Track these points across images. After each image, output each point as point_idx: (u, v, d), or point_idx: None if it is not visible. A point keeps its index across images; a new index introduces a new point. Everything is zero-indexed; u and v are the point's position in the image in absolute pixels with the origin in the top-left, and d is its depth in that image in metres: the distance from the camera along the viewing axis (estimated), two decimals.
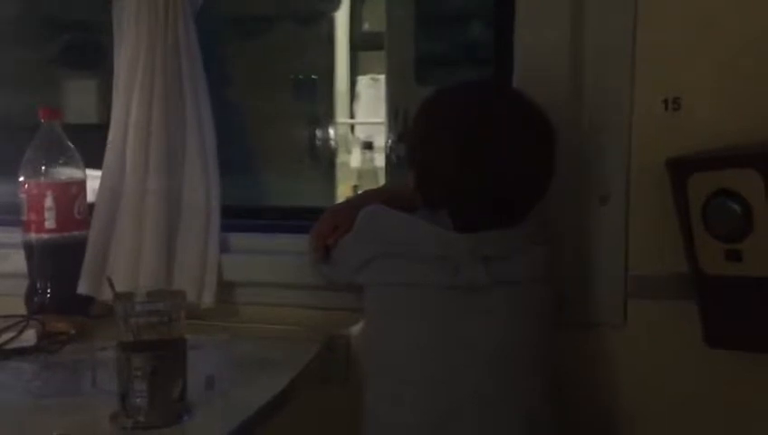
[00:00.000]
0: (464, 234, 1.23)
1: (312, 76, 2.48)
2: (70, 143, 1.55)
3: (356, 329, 1.50)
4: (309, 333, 1.48)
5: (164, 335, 1.07)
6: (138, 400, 1.06)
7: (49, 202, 1.53)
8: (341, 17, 2.81)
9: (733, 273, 1.24)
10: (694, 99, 1.34)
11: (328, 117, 2.63)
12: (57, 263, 1.56)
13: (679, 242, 1.30)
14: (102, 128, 1.60)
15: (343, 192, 2.51)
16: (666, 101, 1.35)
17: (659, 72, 1.35)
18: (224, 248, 1.57)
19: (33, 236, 1.55)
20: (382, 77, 2.59)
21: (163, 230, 1.52)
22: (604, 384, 1.43)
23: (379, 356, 1.29)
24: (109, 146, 1.56)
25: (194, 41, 1.53)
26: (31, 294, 1.56)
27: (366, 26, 2.94)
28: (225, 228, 1.58)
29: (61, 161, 1.54)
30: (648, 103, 1.36)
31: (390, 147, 2.33)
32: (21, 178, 1.54)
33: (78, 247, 1.54)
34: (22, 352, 1.36)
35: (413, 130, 1.34)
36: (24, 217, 1.55)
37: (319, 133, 2.48)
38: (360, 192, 2.00)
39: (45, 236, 1.54)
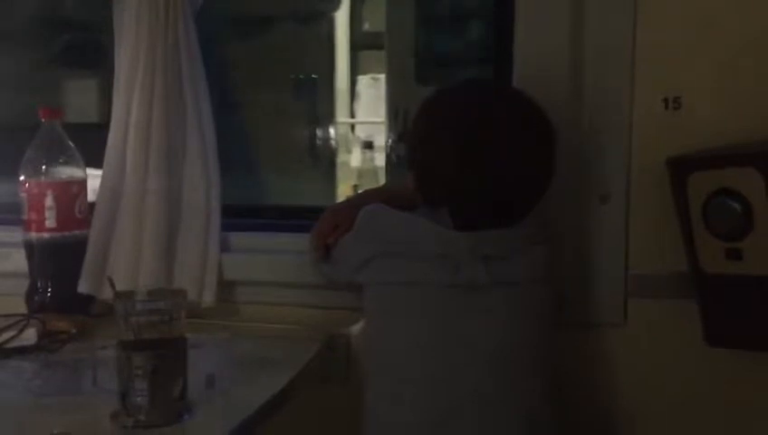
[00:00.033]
0: (464, 232, 1.23)
1: (313, 76, 2.47)
2: (70, 142, 1.55)
3: (356, 328, 1.50)
4: (309, 332, 1.48)
5: (164, 334, 1.07)
6: (138, 398, 1.06)
7: (49, 201, 1.53)
8: (342, 17, 2.81)
9: (733, 272, 1.24)
10: (694, 98, 1.34)
11: (328, 116, 2.62)
12: (58, 262, 1.56)
13: (679, 241, 1.30)
14: (103, 127, 1.60)
15: (343, 191, 2.50)
16: (666, 101, 1.35)
17: (659, 72, 1.36)
18: (224, 247, 1.57)
19: (33, 235, 1.55)
20: (382, 77, 2.58)
21: (163, 229, 1.52)
22: (604, 384, 1.43)
23: (379, 355, 1.29)
24: (109, 145, 1.56)
25: (194, 40, 1.54)
26: (31, 293, 1.56)
27: (366, 26, 2.94)
28: (226, 227, 1.58)
29: (61, 161, 1.55)
30: (649, 103, 1.36)
31: (390, 146, 2.32)
32: (21, 178, 1.54)
33: (78, 247, 1.55)
34: (22, 351, 1.36)
35: (413, 130, 1.34)
36: (25, 217, 1.55)
37: (319, 133, 2.47)
38: (360, 191, 2.00)
39: (46, 235, 1.54)
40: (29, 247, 1.56)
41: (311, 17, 2.54)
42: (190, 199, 1.54)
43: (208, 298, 1.52)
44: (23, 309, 1.53)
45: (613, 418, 1.44)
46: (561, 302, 1.34)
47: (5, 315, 1.44)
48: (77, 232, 1.56)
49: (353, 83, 2.92)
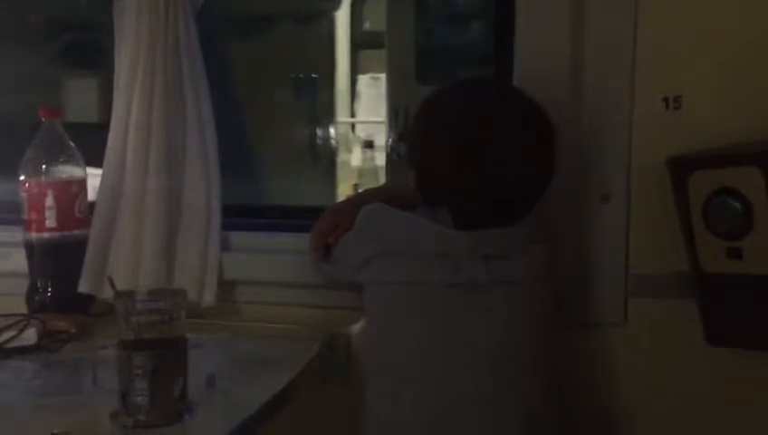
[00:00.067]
0: (464, 232, 1.23)
1: (313, 75, 2.47)
2: (71, 142, 1.55)
3: (356, 327, 1.50)
4: (310, 331, 1.48)
5: (165, 334, 1.07)
6: (138, 398, 1.06)
7: (50, 201, 1.53)
8: (342, 16, 2.81)
9: (733, 271, 1.24)
10: (694, 97, 1.34)
11: (328, 116, 2.62)
12: (58, 262, 1.56)
13: (680, 240, 1.30)
14: (103, 127, 1.60)
15: (344, 191, 2.50)
16: (666, 100, 1.35)
17: (660, 71, 1.36)
18: (224, 247, 1.57)
19: (33, 235, 1.55)
20: (383, 76, 2.58)
21: (164, 229, 1.52)
22: (605, 384, 1.43)
23: (379, 354, 1.29)
24: (109, 145, 1.56)
25: (194, 40, 1.54)
26: (32, 292, 1.56)
27: (366, 25, 2.94)
28: (226, 227, 1.58)
29: (61, 160, 1.55)
30: (649, 102, 1.36)
31: (391, 146, 2.32)
32: (22, 177, 1.54)
33: (79, 246, 1.55)
34: (22, 351, 1.36)
35: (413, 130, 1.34)
36: (25, 216, 1.55)
37: (319, 132, 2.48)
38: (360, 191, 2.00)
39: (46, 235, 1.54)
40: (29, 247, 1.56)
41: (311, 16, 2.54)
42: (190, 199, 1.54)
43: (209, 298, 1.52)
44: (23, 309, 1.53)
45: (614, 417, 1.43)
46: (561, 301, 1.34)
47: (6, 315, 1.44)
48: (77, 232, 1.56)
49: (354, 83, 2.92)
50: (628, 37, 1.36)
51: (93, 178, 1.58)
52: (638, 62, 1.36)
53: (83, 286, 1.54)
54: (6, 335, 1.38)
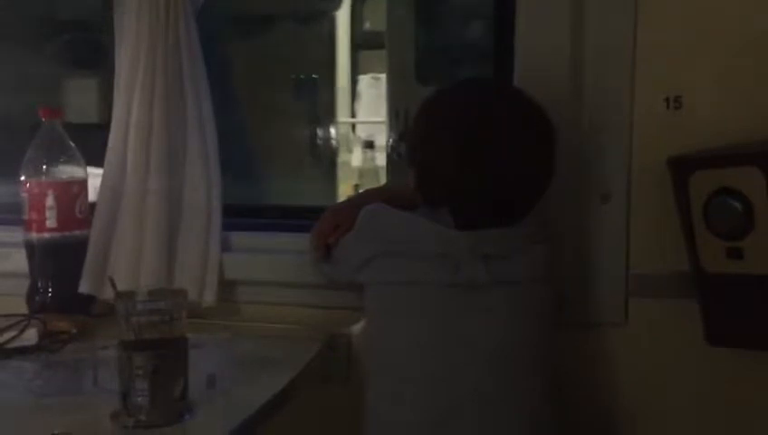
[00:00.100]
0: (464, 232, 1.23)
1: (313, 75, 2.48)
2: (71, 142, 1.55)
3: (357, 328, 1.50)
4: (310, 331, 1.48)
5: (165, 334, 1.07)
6: (139, 398, 1.06)
7: (50, 201, 1.53)
8: (342, 16, 2.81)
9: (734, 271, 1.24)
10: (695, 97, 1.34)
11: (329, 116, 2.63)
12: (58, 262, 1.56)
13: (680, 240, 1.30)
14: (103, 127, 1.60)
15: (344, 191, 2.51)
16: (667, 100, 1.35)
17: (660, 71, 1.36)
18: (225, 247, 1.57)
19: (34, 235, 1.55)
20: (383, 76, 2.59)
21: (164, 229, 1.52)
22: (605, 384, 1.43)
23: (379, 355, 1.29)
24: (110, 145, 1.56)
25: (195, 40, 1.53)
26: (32, 293, 1.56)
27: (367, 25, 2.94)
28: (227, 227, 1.58)
29: (62, 160, 1.55)
30: (649, 102, 1.36)
31: (391, 146, 2.33)
32: (22, 178, 1.54)
33: (79, 247, 1.55)
34: (23, 352, 1.36)
35: (413, 130, 1.34)
36: (26, 217, 1.55)
37: (320, 132, 2.48)
38: (360, 191, 2.00)
39: (47, 235, 1.54)
40: (30, 247, 1.56)
41: (311, 16, 2.55)
42: (191, 199, 1.54)
43: (209, 298, 1.52)
44: (23, 309, 1.53)
45: (614, 417, 1.43)
46: (561, 302, 1.34)
47: (6, 315, 1.44)
48: (78, 232, 1.56)
49: (354, 83, 2.92)
50: (628, 37, 1.36)
51: (94, 178, 1.59)
52: (639, 61, 1.36)
53: (84, 287, 1.54)
54: (7, 336, 1.38)
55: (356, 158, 2.73)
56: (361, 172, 2.58)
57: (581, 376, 1.42)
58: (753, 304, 1.25)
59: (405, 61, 2.33)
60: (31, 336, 1.39)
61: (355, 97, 2.93)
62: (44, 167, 1.53)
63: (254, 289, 1.57)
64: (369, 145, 2.58)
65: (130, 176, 1.53)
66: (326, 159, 2.52)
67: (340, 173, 2.63)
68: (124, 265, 1.53)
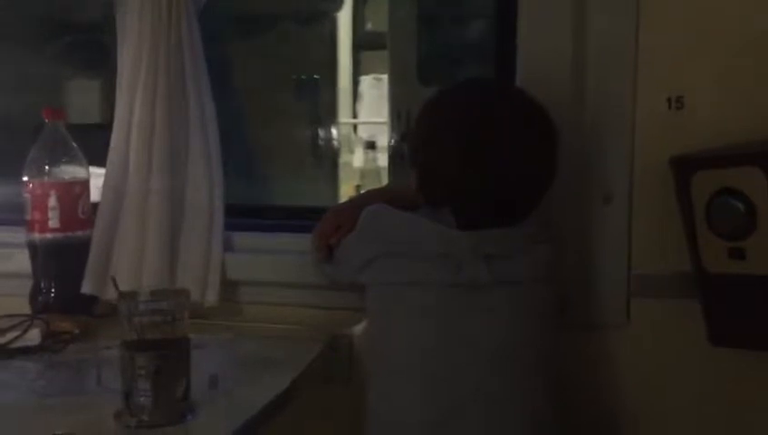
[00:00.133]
0: (466, 232, 1.23)
1: (315, 76, 2.48)
2: (73, 143, 1.56)
3: (359, 328, 1.50)
4: (312, 332, 1.48)
5: (168, 334, 1.07)
6: (142, 399, 1.06)
7: (53, 202, 1.53)
8: (344, 17, 2.81)
9: (736, 271, 1.24)
10: (697, 97, 1.34)
11: (331, 117, 2.63)
12: (61, 262, 1.56)
13: (682, 241, 1.29)
14: (105, 128, 1.60)
15: (346, 192, 2.51)
16: (669, 100, 1.35)
17: (662, 72, 1.36)
18: (227, 247, 1.57)
19: (36, 235, 1.55)
20: (385, 77, 2.59)
21: (166, 230, 1.52)
22: (608, 384, 1.43)
23: (381, 355, 1.29)
24: (112, 146, 1.56)
25: (197, 40, 1.54)
26: (35, 293, 1.57)
27: (369, 26, 2.94)
28: (229, 227, 1.58)
29: (64, 161, 1.55)
30: (651, 102, 1.36)
31: (393, 146, 2.33)
32: (25, 178, 1.54)
33: (82, 247, 1.55)
34: (26, 352, 1.36)
35: (415, 131, 1.34)
36: (28, 217, 1.55)
37: (322, 133, 2.48)
38: (362, 192, 2.00)
39: (49, 235, 1.54)
40: (32, 248, 1.56)
41: (313, 17, 2.55)
42: (193, 199, 1.54)
43: (211, 298, 1.52)
44: (26, 310, 1.53)
45: (617, 418, 1.43)
46: (563, 303, 1.34)
47: (9, 316, 1.44)
48: (80, 232, 1.56)
49: (356, 83, 2.92)
50: (629, 38, 1.36)
51: (96, 178, 1.59)
52: (640, 63, 1.36)
53: (86, 287, 1.54)
54: (10, 336, 1.38)
55: (358, 158, 2.73)
56: (363, 173, 2.58)
57: (584, 377, 1.42)
58: (755, 304, 1.25)
59: (407, 61, 2.33)
60: (34, 336, 1.39)
61: (357, 98, 2.93)
62: (47, 167, 1.53)
63: (256, 289, 1.57)
64: (371, 146, 2.58)
65: (133, 176, 1.53)
66: (328, 159, 2.52)
67: (342, 174, 2.64)
68: (126, 266, 1.53)
